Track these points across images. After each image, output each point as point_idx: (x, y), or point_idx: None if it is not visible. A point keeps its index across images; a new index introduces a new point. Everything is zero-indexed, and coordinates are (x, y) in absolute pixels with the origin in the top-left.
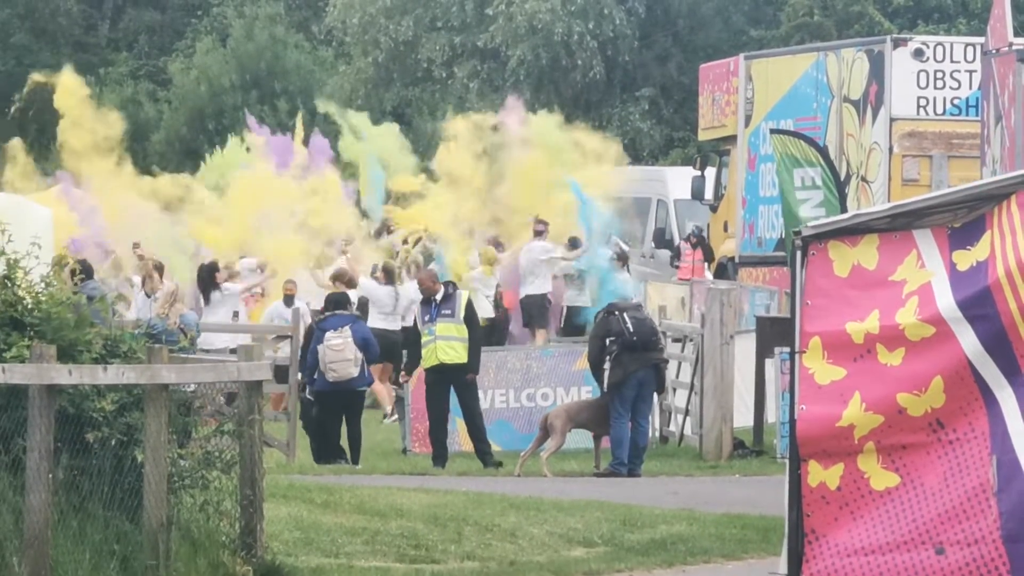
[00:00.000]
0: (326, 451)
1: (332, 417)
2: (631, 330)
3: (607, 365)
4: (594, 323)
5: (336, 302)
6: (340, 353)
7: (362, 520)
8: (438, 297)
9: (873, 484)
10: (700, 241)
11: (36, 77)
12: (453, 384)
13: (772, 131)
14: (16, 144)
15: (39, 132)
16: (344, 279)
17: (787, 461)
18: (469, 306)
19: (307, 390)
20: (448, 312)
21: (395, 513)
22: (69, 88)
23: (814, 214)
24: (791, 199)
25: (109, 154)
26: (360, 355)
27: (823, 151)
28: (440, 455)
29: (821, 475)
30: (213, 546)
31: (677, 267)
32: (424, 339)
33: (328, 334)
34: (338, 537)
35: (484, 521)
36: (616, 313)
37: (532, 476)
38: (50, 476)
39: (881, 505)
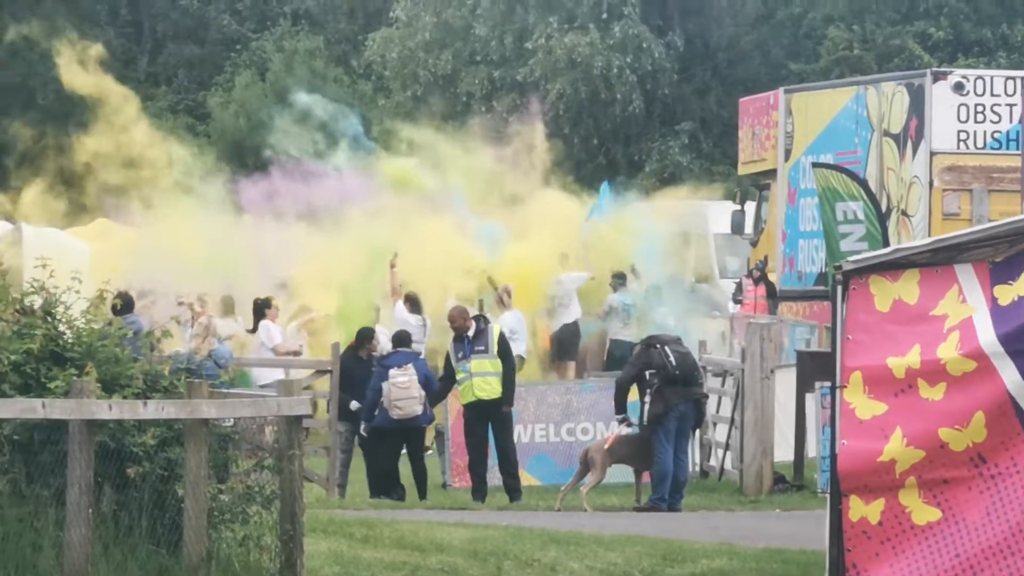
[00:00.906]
0: (383, 485)
1: (391, 453)
2: (673, 364)
3: (647, 398)
4: (633, 353)
5: (400, 339)
6: (406, 391)
7: (402, 555)
8: (470, 333)
9: (915, 519)
10: (763, 276)
11: None
12: (490, 418)
13: (814, 165)
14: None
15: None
16: (413, 299)
17: (828, 496)
18: (502, 339)
19: (363, 426)
20: (482, 348)
21: (435, 548)
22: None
23: (856, 248)
24: (833, 233)
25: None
26: (423, 392)
27: (865, 185)
28: (480, 489)
29: (862, 510)
30: None
31: (740, 302)
32: (459, 376)
33: (393, 371)
34: (378, 572)
35: (524, 556)
36: (658, 346)
37: (572, 510)
38: (90, 511)
39: (923, 540)
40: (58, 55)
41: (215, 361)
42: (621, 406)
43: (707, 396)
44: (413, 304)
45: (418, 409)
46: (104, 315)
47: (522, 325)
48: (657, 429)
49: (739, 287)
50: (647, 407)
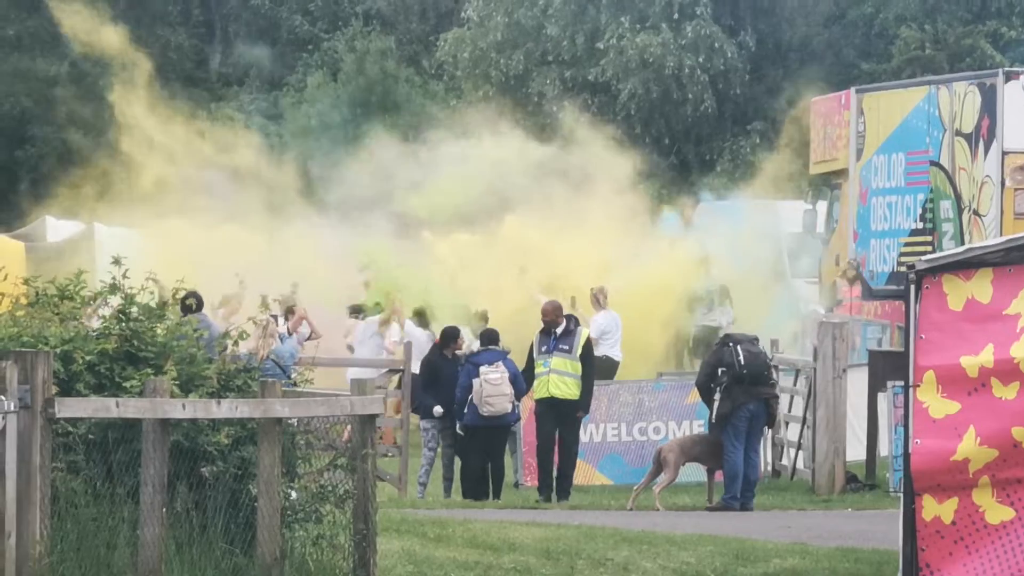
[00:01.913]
0: (477, 486)
1: (479, 451)
2: (742, 363)
3: (717, 396)
4: (710, 351)
5: (490, 338)
6: (498, 388)
7: (475, 554)
8: (558, 331)
9: (988, 518)
10: (857, 276)
11: None
12: (560, 418)
13: (931, 163)
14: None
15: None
16: (422, 314)
17: (901, 495)
18: (587, 344)
19: (458, 425)
20: (566, 347)
21: (508, 547)
22: None
23: (949, 246)
24: (940, 232)
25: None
26: (512, 391)
27: (954, 184)
28: (546, 484)
29: (935, 509)
30: None
31: (840, 303)
32: (538, 370)
33: (483, 368)
34: (451, 571)
35: (597, 555)
36: (730, 344)
37: (644, 510)
38: (164, 510)
39: (996, 539)
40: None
41: (275, 362)
42: (708, 405)
43: (777, 396)
44: (421, 319)
45: (508, 407)
46: (177, 315)
47: (616, 326)
48: (725, 427)
49: (833, 287)
50: (715, 405)
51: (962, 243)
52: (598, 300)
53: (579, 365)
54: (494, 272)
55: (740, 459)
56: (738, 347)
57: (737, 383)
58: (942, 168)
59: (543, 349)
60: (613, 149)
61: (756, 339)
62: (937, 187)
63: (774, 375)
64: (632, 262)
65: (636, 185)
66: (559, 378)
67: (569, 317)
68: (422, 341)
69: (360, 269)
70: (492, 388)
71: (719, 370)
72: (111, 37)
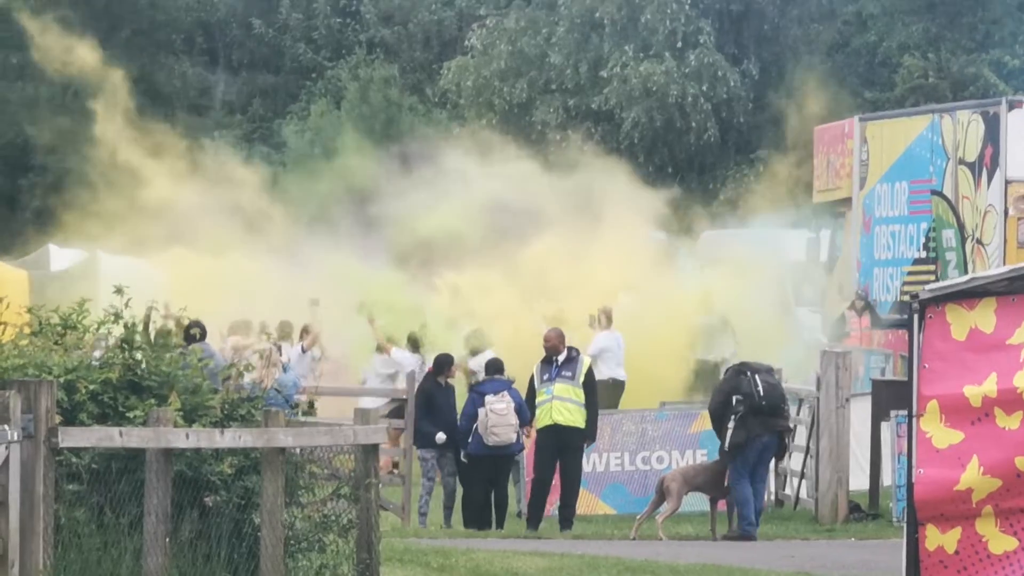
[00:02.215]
0: (479, 515)
1: (483, 481)
2: (760, 394)
3: (730, 424)
4: (722, 378)
5: (495, 367)
6: (504, 418)
7: None
8: (560, 358)
9: (991, 548)
10: (866, 306)
11: None
12: (562, 446)
13: (932, 192)
14: None
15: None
16: (414, 340)
17: (904, 525)
18: (590, 372)
19: (461, 454)
20: (568, 374)
21: None
22: None
23: (952, 275)
24: (943, 261)
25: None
26: (518, 420)
27: (957, 213)
28: (535, 517)
29: (939, 539)
30: None
31: (847, 334)
32: (540, 398)
33: (489, 398)
34: None
35: None
36: (748, 374)
37: (648, 539)
38: (167, 539)
39: (1000, 569)
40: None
41: (277, 390)
42: (720, 433)
43: (791, 428)
44: (414, 345)
45: (513, 436)
46: (180, 343)
47: (618, 346)
48: (735, 456)
49: (842, 319)
50: (729, 434)
51: (965, 272)
52: (601, 321)
53: (582, 392)
54: (502, 299)
55: (748, 486)
56: (756, 376)
57: (754, 414)
58: (944, 197)
59: (545, 377)
60: (618, 177)
61: (772, 369)
62: (939, 216)
63: (788, 407)
64: (637, 289)
65: (641, 213)
66: (562, 405)
67: (571, 347)
68: (412, 366)
69: (358, 310)
70: (498, 418)
71: (734, 398)
72: (88, 58)
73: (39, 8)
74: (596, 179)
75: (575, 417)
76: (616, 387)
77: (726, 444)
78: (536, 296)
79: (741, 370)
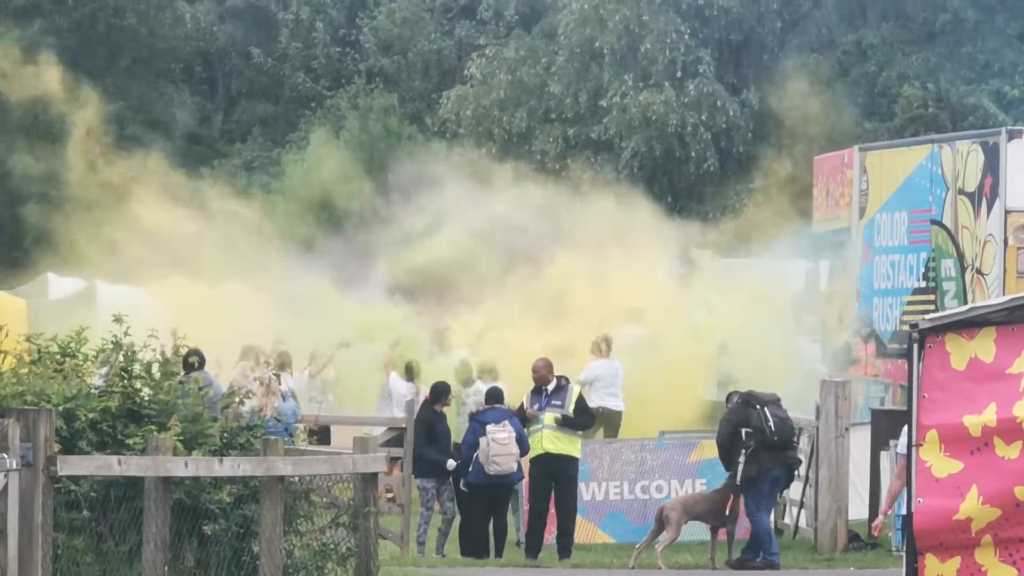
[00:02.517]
0: (478, 544)
1: (482, 510)
2: (772, 428)
3: (741, 459)
4: (728, 408)
5: (495, 396)
6: (506, 447)
7: None
8: (549, 388)
9: None
10: (872, 333)
11: None
12: (555, 475)
13: (932, 222)
14: None
15: None
16: (410, 368)
17: (903, 555)
18: (580, 400)
19: (461, 482)
20: (558, 403)
21: None
22: None
23: (951, 305)
24: (941, 291)
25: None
26: (519, 450)
27: (956, 243)
28: (533, 546)
29: (938, 568)
30: None
31: (855, 361)
32: (532, 427)
33: (490, 428)
34: None
35: None
36: (757, 407)
37: (647, 568)
38: (166, 568)
39: None
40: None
41: (276, 419)
42: (728, 464)
43: (800, 461)
44: (409, 372)
45: (514, 466)
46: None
47: (614, 375)
48: (748, 491)
49: (847, 348)
50: (740, 468)
51: (965, 302)
52: (600, 348)
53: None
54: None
55: (766, 518)
56: (766, 410)
57: (765, 448)
58: (943, 226)
59: (535, 407)
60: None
61: (779, 399)
62: (939, 246)
63: (798, 438)
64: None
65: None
66: (552, 434)
67: (560, 376)
68: (404, 395)
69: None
70: (500, 447)
71: (743, 431)
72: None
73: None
74: (614, 208)
75: (566, 446)
76: (610, 416)
77: (738, 478)
78: (552, 324)
79: (749, 402)
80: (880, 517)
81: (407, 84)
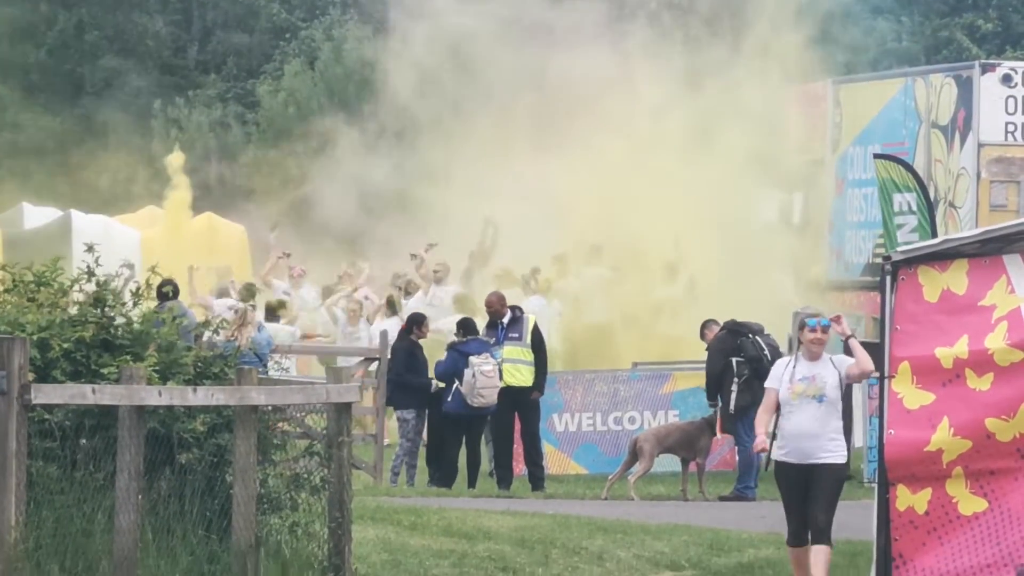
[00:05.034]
0: (447, 473)
1: (457, 440)
2: (768, 357)
3: (734, 388)
4: (715, 338)
5: (470, 327)
6: (491, 380)
7: (449, 542)
8: (505, 320)
9: (961, 509)
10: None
11: None
12: (518, 406)
13: (875, 155)
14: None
15: None
16: (391, 302)
17: (875, 486)
18: (536, 330)
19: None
20: (515, 335)
21: (482, 535)
22: None
23: (908, 239)
24: (890, 225)
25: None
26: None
27: (917, 176)
28: (504, 477)
29: (909, 499)
30: (301, 567)
31: None
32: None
33: (475, 359)
34: (425, 559)
35: (571, 544)
36: (749, 336)
37: (619, 499)
38: (139, 497)
39: (968, 530)
40: None
41: (254, 350)
42: (713, 394)
43: None
44: (391, 307)
45: (495, 398)
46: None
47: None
48: (740, 419)
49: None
50: (733, 397)
51: (930, 236)
52: (528, 284)
53: (530, 352)
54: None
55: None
56: (758, 339)
57: (759, 377)
58: (894, 159)
59: (492, 342)
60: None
61: (763, 328)
62: (889, 179)
63: None
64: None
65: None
66: (513, 367)
67: (514, 307)
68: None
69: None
70: (486, 380)
71: (735, 360)
72: None
73: None
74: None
75: (526, 377)
76: None
77: (730, 407)
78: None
79: (738, 331)
80: (759, 438)
81: (382, 14)
